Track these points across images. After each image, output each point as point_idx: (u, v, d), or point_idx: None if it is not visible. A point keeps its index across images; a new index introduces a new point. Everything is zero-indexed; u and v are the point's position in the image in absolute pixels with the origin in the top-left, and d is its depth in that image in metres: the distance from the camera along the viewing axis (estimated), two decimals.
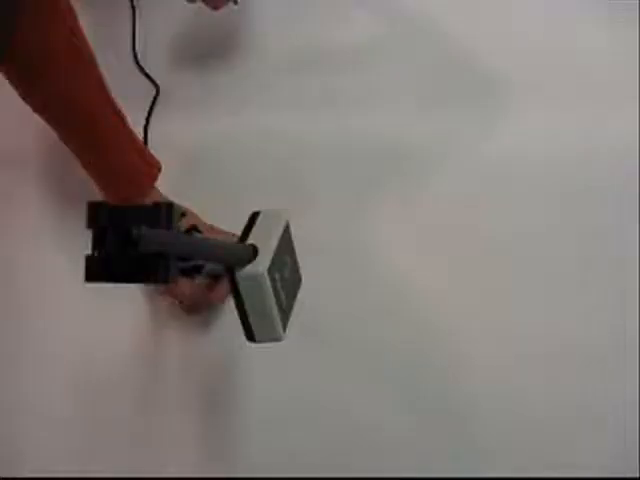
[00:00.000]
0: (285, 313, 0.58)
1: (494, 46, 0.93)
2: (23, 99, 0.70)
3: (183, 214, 0.77)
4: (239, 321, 0.58)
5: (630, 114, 0.89)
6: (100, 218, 0.42)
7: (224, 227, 0.80)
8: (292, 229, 0.65)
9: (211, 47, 0.94)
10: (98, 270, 0.42)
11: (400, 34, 0.96)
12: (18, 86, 0.69)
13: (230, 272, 0.53)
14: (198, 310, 0.80)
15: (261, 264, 0.53)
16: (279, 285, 0.56)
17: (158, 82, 0.91)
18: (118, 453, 0.76)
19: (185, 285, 0.75)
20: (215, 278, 0.77)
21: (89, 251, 0.43)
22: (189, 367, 0.79)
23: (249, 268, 0.53)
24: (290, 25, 0.95)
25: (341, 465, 0.74)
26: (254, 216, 0.61)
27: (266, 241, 0.56)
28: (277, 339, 0.57)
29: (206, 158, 0.89)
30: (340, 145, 0.89)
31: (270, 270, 0.54)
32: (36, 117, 0.72)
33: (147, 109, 0.90)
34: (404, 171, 0.88)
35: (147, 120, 0.90)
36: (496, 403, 0.76)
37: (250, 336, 0.57)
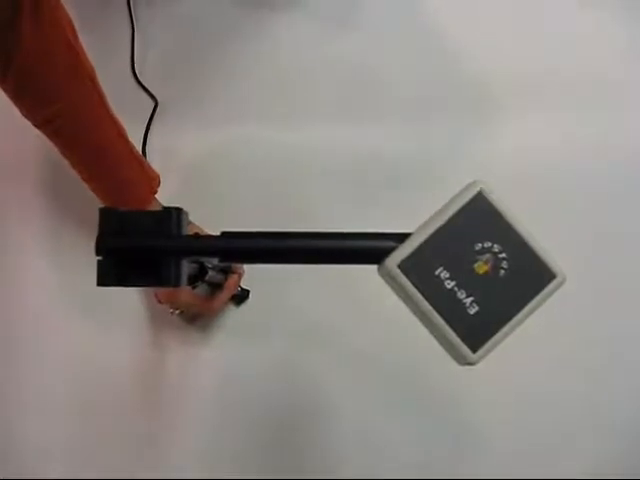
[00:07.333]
0: (477, 323, 0.43)
1: (495, 50, 0.93)
2: (23, 115, 0.70)
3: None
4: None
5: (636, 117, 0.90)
6: (111, 224, 0.43)
7: None
8: None
9: (208, 62, 0.95)
10: (109, 274, 0.43)
11: (400, 38, 0.95)
12: (17, 101, 0.69)
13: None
14: (198, 319, 0.81)
15: (392, 258, 0.42)
16: (451, 284, 0.42)
17: (156, 96, 0.93)
18: (118, 455, 0.77)
19: (185, 294, 0.76)
20: (215, 287, 0.78)
21: (99, 257, 0.44)
22: (189, 374, 0.80)
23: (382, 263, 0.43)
24: (287, 40, 0.96)
25: (342, 465, 0.75)
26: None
27: (421, 228, 0.44)
28: (463, 360, 0.43)
29: (204, 170, 0.90)
30: (338, 155, 0.89)
31: (410, 263, 0.42)
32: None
33: (146, 122, 0.91)
34: (403, 178, 0.89)
35: (146, 133, 0.91)
36: (496, 403, 0.77)
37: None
